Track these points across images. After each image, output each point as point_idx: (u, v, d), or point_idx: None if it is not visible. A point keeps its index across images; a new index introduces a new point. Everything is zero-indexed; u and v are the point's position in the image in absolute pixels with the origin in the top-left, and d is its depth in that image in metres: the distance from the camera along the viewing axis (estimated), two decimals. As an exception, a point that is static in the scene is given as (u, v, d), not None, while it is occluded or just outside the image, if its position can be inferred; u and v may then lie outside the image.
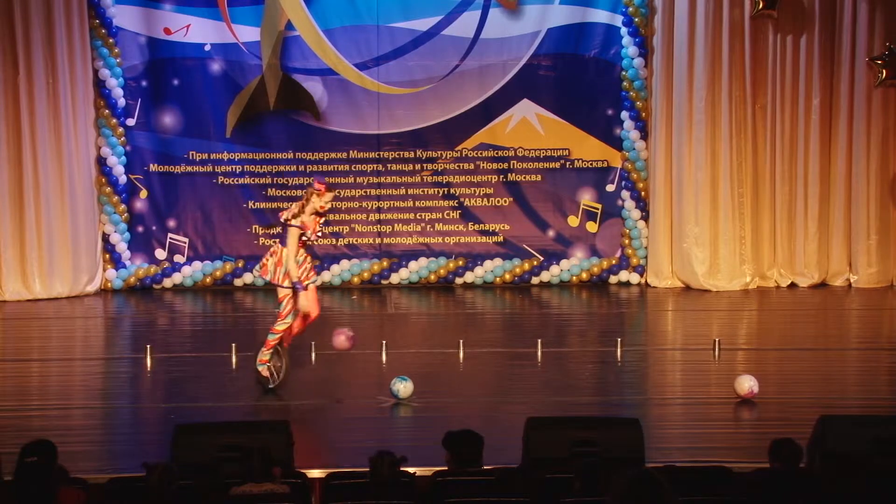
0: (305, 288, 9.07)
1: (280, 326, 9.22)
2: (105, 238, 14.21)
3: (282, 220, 9.15)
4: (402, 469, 5.86)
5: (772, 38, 13.98)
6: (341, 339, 9.44)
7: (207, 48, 14.13)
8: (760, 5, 13.74)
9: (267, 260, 9.17)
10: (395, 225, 14.54)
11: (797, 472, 5.92)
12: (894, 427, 6.77)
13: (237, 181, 14.38)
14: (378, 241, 14.55)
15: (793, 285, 14.26)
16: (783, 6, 13.80)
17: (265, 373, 9.31)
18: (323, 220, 9.24)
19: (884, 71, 13.84)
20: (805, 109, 14.06)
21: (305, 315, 9.24)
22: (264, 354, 9.29)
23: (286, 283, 9.08)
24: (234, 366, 10.38)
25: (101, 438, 8.48)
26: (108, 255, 14.24)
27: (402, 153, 14.41)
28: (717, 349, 10.70)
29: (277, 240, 9.52)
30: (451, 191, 14.45)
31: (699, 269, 14.02)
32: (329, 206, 9.21)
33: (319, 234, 9.25)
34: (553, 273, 14.38)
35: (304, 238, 9.08)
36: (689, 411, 9.06)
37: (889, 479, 5.41)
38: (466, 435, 6.25)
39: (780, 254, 14.28)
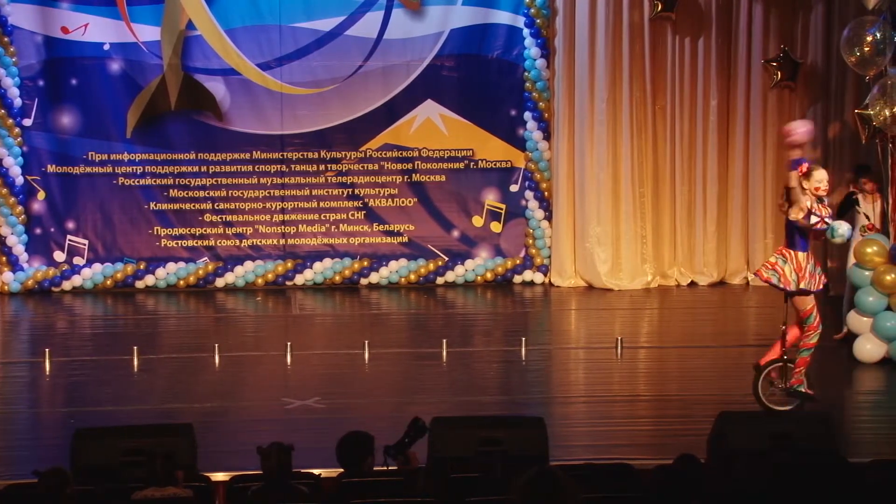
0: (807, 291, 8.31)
1: (813, 339, 8.45)
2: (1, 240, 13.90)
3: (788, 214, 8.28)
4: (291, 457, 5.87)
5: (670, 41, 14.17)
6: (803, 130, 8.16)
7: (106, 48, 13.90)
8: (659, 7, 13.91)
9: (774, 264, 8.36)
10: (300, 226, 14.45)
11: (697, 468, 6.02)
12: (790, 422, 6.94)
13: (138, 182, 14.16)
14: (282, 241, 14.45)
15: (692, 284, 14.46)
16: (681, 9, 13.99)
17: (807, 390, 8.58)
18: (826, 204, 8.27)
19: (779, 73, 14.11)
20: (703, 111, 14.27)
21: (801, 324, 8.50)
22: (801, 374, 8.53)
23: (815, 287, 8.31)
24: (135, 369, 10.24)
25: (-2, 445, 8.33)
26: (4, 258, 13.93)
27: (305, 154, 14.33)
28: (619, 347, 10.84)
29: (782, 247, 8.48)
30: (356, 191, 14.41)
31: (601, 268, 14.16)
32: (824, 186, 8.18)
33: (820, 223, 8.21)
34: (458, 273, 14.42)
35: (814, 222, 8.17)
36: (593, 409, 9.17)
37: (785, 473, 5.54)
38: (349, 438, 6.25)
39: (680, 253, 14.46)
